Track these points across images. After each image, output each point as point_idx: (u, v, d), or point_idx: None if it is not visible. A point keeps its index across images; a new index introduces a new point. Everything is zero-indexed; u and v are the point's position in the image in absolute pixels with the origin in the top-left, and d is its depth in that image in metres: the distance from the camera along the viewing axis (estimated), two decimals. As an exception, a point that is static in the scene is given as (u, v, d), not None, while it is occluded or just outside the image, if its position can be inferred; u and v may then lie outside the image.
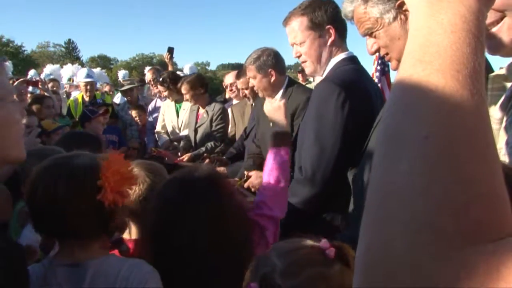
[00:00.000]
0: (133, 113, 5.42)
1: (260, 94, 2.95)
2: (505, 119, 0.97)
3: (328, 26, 2.02)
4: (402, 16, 1.45)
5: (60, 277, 1.14)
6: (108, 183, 1.12)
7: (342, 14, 1.70)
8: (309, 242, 0.91)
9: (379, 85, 5.08)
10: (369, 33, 1.54)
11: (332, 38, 2.02)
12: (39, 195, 1.12)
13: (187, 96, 4.26)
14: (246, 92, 3.65)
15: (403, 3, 1.42)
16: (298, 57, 2.13)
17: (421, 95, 0.41)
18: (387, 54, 1.53)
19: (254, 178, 2.84)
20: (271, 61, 2.80)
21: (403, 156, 0.39)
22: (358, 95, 1.86)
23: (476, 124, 0.40)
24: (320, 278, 0.81)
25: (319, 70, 2.09)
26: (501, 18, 0.92)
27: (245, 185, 2.86)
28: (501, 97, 1.00)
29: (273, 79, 2.80)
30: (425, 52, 0.43)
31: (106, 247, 1.25)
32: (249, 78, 3.04)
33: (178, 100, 4.73)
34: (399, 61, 1.50)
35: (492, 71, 1.06)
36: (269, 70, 2.78)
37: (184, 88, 4.23)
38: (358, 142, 1.69)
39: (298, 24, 2.05)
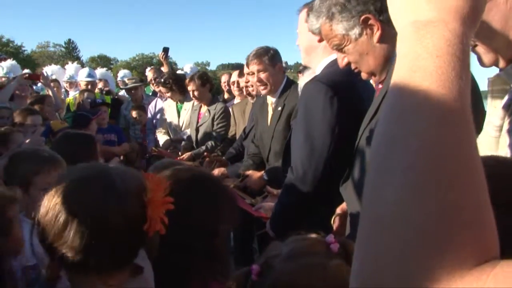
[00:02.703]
0: (133, 113, 5.44)
1: (262, 89, 2.93)
2: (507, 122, 0.98)
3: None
4: (368, 31, 1.47)
5: None
6: (157, 213, 0.98)
7: (308, 29, 1.72)
8: (317, 236, 0.95)
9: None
10: (338, 49, 1.57)
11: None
12: (85, 223, 0.93)
13: (195, 93, 4.24)
14: (250, 89, 3.66)
15: (367, 19, 1.44)
16: None
17: (407, 122, 0.42)
18: (356, 67, 1.56)
19: (250, 178, 2.86)
20: (278, 56, 2.89)
21: (389, 185, 0.40)
22: (346, 93, 1.86)
23: (460, 150, 0.40)
24: (317, 268, 0.83)
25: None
26: (474, 47, 0.96)
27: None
28: (501, 99, 1.00)
29: (280, 73, 2.87)
30: (411, 77, 0.44)
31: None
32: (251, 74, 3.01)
33: (181, 100, 4.74)
34: (368, 73, 1.54)
35: (478, 90, 1.10)
36: (278, 64, 2.88)
37: (193, 84, 4.21)
38: (350, 141, 1.69)
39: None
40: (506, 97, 0.99)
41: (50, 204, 0.97)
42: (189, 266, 1.19)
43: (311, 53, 2.10)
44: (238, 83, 4.25)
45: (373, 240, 0.40)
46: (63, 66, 8.51)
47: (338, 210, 1.76)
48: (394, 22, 0.52)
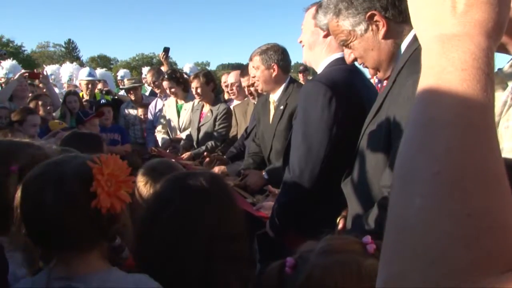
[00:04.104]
0: (139, 111, 5.41)
1: (259, 87, 2.96)
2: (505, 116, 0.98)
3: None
4: (374, 27, 1.50)
5: None
6: (102, 188, 1.02)
7: (316, 25, 1.76)
8: (353, 237, 0.95)
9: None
10: (345, 44, 1.61)
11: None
12: (28, 206, 1.05)
13: (198, 90, 4.24)
14: (252, 89, 3.64)
15: (373, 15, 1.48)
16: None
17: (433, 132, 0.43)
18: (363, 63, 1.60)
19: (250, 177, 2.84)
20: (277, 56, 2.85)
21: (416, 192, 0.41)
22: (345, 93, 1.86)
23: (486, 158, 0.41)
24: (352, 264, 0.82)
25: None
26: None
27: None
28: (498, 98, 1.01)
29: (274, 74, 2.83)
30: (437, 90, 0.45)
31: (106, 255, 1.14)
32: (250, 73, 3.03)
33: (184, 97, 4.73)
34: (374, 69, 1.58)
35: None
36: (273, 64, 2.83)
37: (197, 81, 4.21)
38: (349, 141, 1.69)
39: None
40: (500, 102, 1.00)
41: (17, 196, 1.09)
42: (209, 272, 1.19)
43: (314, 48, 2.09)
44: (237, 84, 4.24)
45: (399, 245, 0.41)
46: (61, 65, 8.49)
47: (344, 213, 1.76)
48: (417, 33, 0.52)
